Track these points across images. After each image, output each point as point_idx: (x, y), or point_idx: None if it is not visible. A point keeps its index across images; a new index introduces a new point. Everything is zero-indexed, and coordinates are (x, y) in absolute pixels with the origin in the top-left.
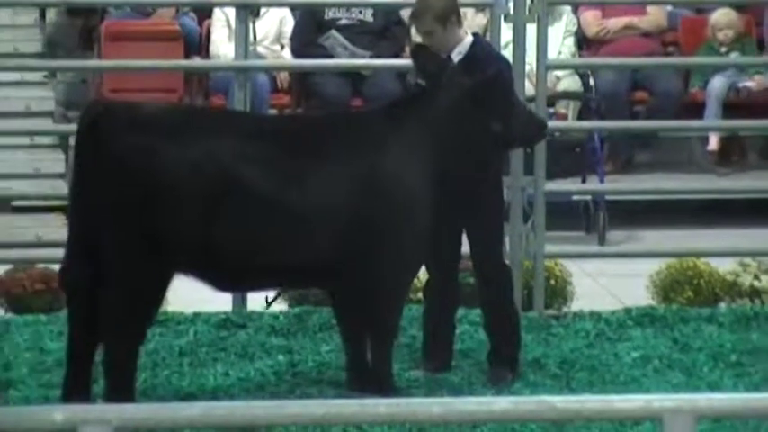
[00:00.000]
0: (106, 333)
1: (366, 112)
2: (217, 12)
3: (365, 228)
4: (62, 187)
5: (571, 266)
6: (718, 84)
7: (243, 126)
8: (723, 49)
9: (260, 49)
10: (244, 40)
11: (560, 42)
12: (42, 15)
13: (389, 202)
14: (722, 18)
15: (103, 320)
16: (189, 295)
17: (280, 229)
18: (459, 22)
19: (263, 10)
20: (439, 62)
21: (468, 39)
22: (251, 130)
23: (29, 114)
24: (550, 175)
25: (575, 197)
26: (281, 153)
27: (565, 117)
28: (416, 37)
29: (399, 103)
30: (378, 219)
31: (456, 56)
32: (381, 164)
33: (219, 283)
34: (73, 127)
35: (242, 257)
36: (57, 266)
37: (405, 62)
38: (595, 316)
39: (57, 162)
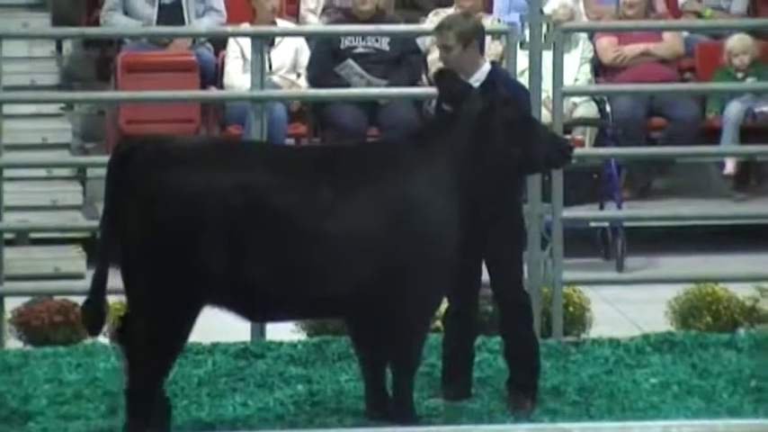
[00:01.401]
0: (132, 365)
1: (393, 141)
2: (231, 43)
3: (393, 258)
4: (79, 219)
5: (589, 293)
6: (734, 109)
7: (273, 158)
8: (739, 75)
9: (276, 79)
10: (260, 70)
11: (576, 69)
12: (59, 47)
13: (417, 232)
14: (738, 43)
15: (130, 352)
16: (207, 325)
17: (309, 260)
18: (482, 50)
19: (277, 39)
20: (462, 86)
21: (486, 66)
22: (281, 162)
23: (46, 146)
24: (568, 202)
25: (592, 224)
26: (310, 185)
27: (582, 144)
28: (433, 65)
29: (424, 131)
30: (405, 249)
31: (474, 83)
32: (409, 195)
33: (248, 314)
34: (90, 158)
35: (271, 289)
36: (75, 298)
37: (421, 91)
38: (614, 342)
39: (74, 194)
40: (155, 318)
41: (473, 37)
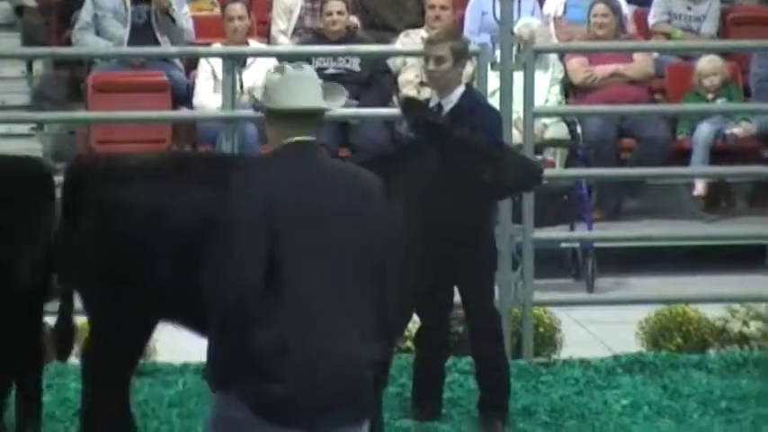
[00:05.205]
0: (88, 382)
1: (359, 161)
2: (202, 63)
3: None
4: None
5: (560, 314)
6: (704, 130)
7: (229, 172)
8: (709, 96)
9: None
10: (231, 90)
11: (547, 90)
12: (29, 67)
13: None
14: (708, 65)
15: (83, 369)
16: (177, 345)
17: None
18: (462, 72)
19: (249, 60)
20: (429, 114)
21: (461, 89)
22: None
23: None
24: (538, 223)
25: (563, 245)
26: None
27: (552, 165)
28: (404, 86)
29: (392, 155)
30: None
31: (447, 104)
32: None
33: (200, 329)
34: (60, 178)
35: None
36: (46, 318)
37: (392, 111)
38: (584, 363)
39: None
40: (108, 334)
41: (463, 56)
